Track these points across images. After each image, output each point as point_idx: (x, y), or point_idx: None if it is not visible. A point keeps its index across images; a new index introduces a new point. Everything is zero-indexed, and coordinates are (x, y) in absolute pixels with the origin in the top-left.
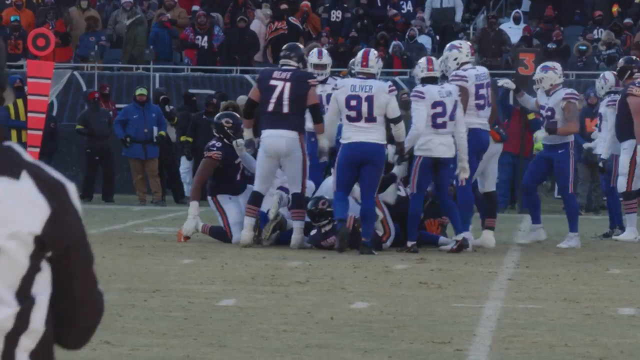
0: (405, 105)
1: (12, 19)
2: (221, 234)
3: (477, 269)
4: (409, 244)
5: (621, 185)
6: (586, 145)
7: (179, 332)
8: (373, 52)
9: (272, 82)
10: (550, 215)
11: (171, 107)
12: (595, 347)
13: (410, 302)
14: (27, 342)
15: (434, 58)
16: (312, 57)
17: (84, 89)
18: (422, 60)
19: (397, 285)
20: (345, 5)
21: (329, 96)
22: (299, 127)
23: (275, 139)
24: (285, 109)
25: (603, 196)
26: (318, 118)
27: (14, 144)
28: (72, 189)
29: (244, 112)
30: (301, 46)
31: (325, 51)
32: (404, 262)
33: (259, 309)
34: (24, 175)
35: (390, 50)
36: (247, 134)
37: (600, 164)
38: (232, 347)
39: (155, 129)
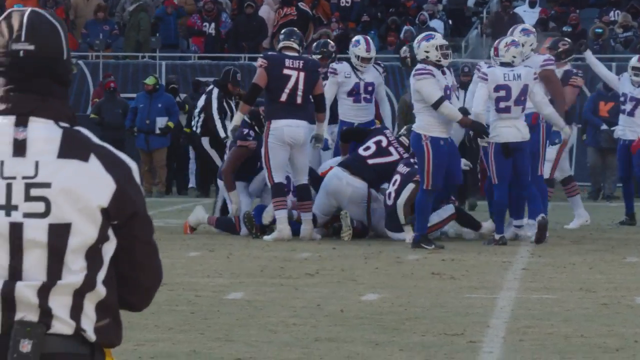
0: None
1: (16, 7)
2: (229, 226)
3: (490, 259)
4: (497, 236)
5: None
6: (605, 127)
7: (186, 326)
8: (504, 41)
9: (286, 72)
10: (564, 202)
11: (183, 95)
12: (611, 338)
13: (422, 294)
14: (92, 299)
15: (503, 41)
16: (359, 50)
17: (89, 78)
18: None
19: (408, 276)
20: None
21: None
22: (312, 117)
23: (295, 128)
24: (299, 100)
25: (618, 182)
26: (322, 107)
27: (82, 128)
28: (134, 167)
29: (246, 97)
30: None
31: (372, 43)
32: (416, 252)
33: (267, 302)
34: (92, 157)
35: (401, 35)
36: (238, 119)
37: None
38: (240, 342)
39: (159, 119)
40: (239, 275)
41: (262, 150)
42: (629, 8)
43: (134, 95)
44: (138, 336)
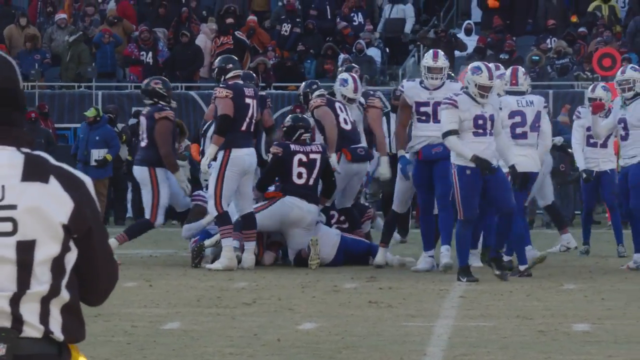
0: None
1: None
2: (142, 227)
3: (428, 287)
4: (522, 267)
5: None
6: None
7: (122, 357)
8: (521, 70)
9: (247, 101)
10: None
11: (121, 125)
12: None
13: (359, 322)
14: (57, 304)
15: (520, 71)
16: (347, 90)
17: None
18: (507, 73)
19: (346, 305)
20: (298, 20)
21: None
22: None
23: (252, 157)
24: (252, 128)
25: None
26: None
27: (40, 152)
28: (89, 182)
29: (219, 130)
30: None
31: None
32: (353, 280)
33: (204, 332)
34: (52, 179)
35: (339, 63)
36: (213, 152)
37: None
38: None
39: (94, 151)
40: (175, 305)
41: (213, 177)
42: (565, 35)
43: (70, 125)
44: None
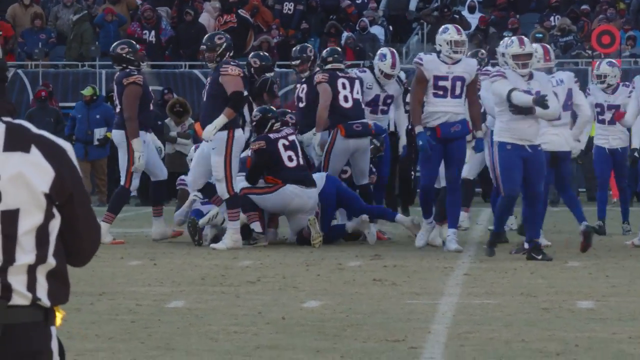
0: None
1: None
2: (121, 198)
3: (432, 265)
4: (544, 242)
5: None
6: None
7: (126, 335)
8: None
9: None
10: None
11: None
12: (552, 342)
13: (364, 300)
14: (44, 270)
15: (549, 47)
16: (384, 65)
17: (28, 87)
18: (539, 49)
19: (350, 283)
20: None
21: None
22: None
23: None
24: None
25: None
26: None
27: (23, 121)
28: (69, 148)
29: (237, 105)
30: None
31: (397, 58)
32: (357, 258)
33: (208, 310)
34: (33, 148)
35: (342, 41)
36: (221, 122)
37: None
38: (181, 350)
39: (97, 130)
40: (180, 284)
41: (220, 161)
42: (569, 12)
43: (73, 104)
44: (78, 346)
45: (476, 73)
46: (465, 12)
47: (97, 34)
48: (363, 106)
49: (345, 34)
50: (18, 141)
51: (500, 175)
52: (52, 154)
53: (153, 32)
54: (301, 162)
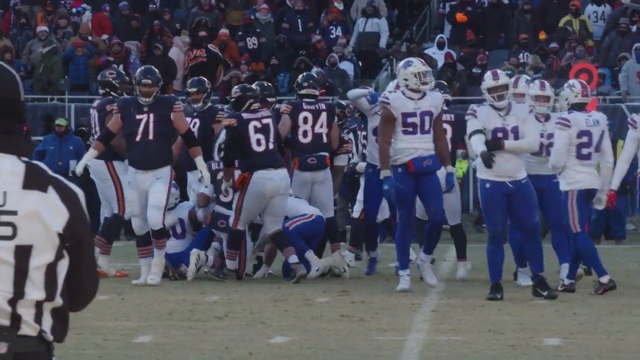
0: None
1: None
2: (114, 225)
3: (400, 301)
4: (603, 280)
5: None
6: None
7: None
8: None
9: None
10: (476, 244)
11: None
12: None
13: (331, 336)
14: (49, 307)
15: (585, 83)
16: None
17: None
18: (577, 84)
19: (317, 319)
20: (258, 31)
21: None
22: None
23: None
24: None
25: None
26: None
27: (39, 162)
28: (81, 193)
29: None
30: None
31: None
32: (325, 294)
33: (175, 345)
34: (50, 189)
35: None
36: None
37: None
38: None
39: (72, 162)
40: (147, 319)
41: (165, 188)
42: (537, 50)
43: (41, 138)
44: None
45: (442, 107)
46: (434, 49)
47: (67, 67)
48: (325, 140)
49: (314, 69)
50: (36, 181)
51: (484, 216)
52: (67, 197)
53: (121, 66)
54: (270, 147)
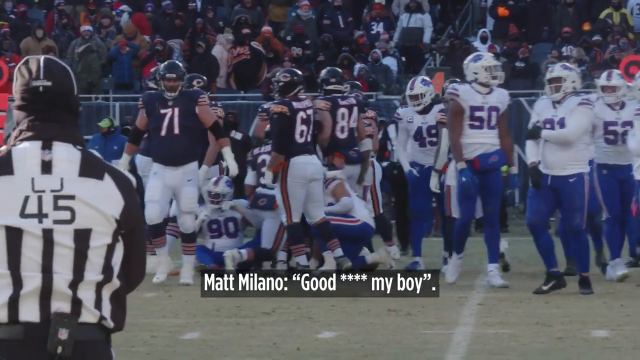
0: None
1: None
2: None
3: (447, 295)
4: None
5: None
6: None
7: None
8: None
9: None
10: (522, 237)
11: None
12: None
13: (379, 330)
14: (109, 290)
15: None
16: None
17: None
18: None
19: (365, 314)
20: (307, 42)
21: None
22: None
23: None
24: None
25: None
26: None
27: (93, 151)
28: (134, 181)
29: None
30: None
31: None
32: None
33: (223, 342)
34: (106, 176)
35: (355, 73)
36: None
37: None
38: None
39: (114, 162)
40: (195, 316)
41: (195, 190)
42: (580, 42)
43: (88, 137)
44: None
45: (507, 103)
46: (477, 43)
47: (111, 66)
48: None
49: (357, 66)
50: (93, 169)
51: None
52: (123, 185)
53: None
54: (309, 139)
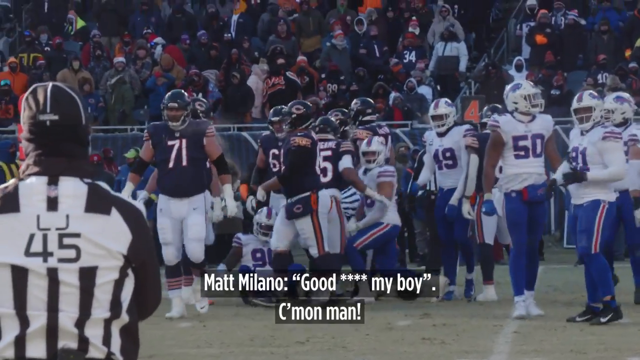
0: (402, 159)
1: (2, 83)
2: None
3: (482, 323)
4: None
5: None
6: None
7: None
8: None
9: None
10: (558, 265)
11: None
12: None
13: (412, 359)
14: (118, 325)
15: None
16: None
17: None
18: None
19: (399, 342)
20: (342, 78)
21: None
22: None
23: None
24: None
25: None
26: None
27: (101, 182)
28: (144, 211)
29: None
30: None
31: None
32: (407, 318)
33: None
34: (113, 210)
35: (390, 102)
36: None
37: None
38: None
39: (139, 192)
40: (229, 345)
41: (202, 218)
42: (616, 70)
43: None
44: None
45: (553, 129)
46: (512, 71)
47: (147, 97)
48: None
49: (392, 94)
50: (99, 203)
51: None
52: (130, 217)
53: (200, 95)
54: (332, 179)
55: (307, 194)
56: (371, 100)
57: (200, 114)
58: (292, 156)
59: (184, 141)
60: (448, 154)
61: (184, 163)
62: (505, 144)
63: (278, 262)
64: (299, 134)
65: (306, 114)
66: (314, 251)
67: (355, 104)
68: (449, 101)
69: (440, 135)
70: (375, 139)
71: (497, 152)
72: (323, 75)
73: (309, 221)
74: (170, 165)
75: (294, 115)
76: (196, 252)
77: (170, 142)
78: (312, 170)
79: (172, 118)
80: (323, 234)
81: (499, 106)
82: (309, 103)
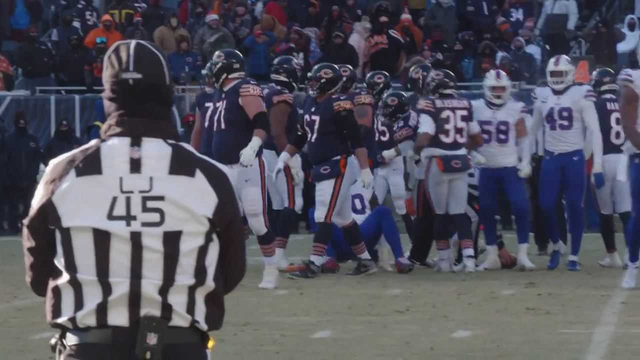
0: None
1: (99, 40)
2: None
3: (589, 293)
4: None
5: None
6: None
7: None
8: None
9: None
10: None
11: None
12: None
13: (516, 330)
14: (203, 293)
15: None
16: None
17: (175, 112)
18: None
19: (502, 312)
20: (445, 46)
21: None
22: None
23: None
24: None
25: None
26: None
27: (185, 144)
28: (230, 174)
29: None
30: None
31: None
32: (511, 287)
33: (354, 341)
34: (198, 172)
35: (497, 62)
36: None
37: None
38: None
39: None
40: (326, 314)
41: (258, 190)
42: None
43: None
44: None
45: None
46: (625, 30)
47: (246, 56)
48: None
49: (499, 54)
50: (183, 165)
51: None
52: (216, 180)
53: (301, 54)
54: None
55: (338, 157)
56: (452, 74)
57: (345, 81)
58: (353, 120)
59: (221, 104)
60: (565, 114)
61: (223, 126)
62: (639, 98)
63: (350, 235)
64: (342, 97)
65: (335, 77)
66: (319, 214)
67: (437, 75)
68: (569, 59)
69: (557, 92)
70: (503, 73)
71: (634, 107)
72: (425, 47)
73: (331, 184)
74: (214, 128)
75: (322, 80)
76: (255, 226)
77: (207, 105)
78: (343, 135)
79: (209, 84)
80: (337, 202)
81: (609, 69)
82: (336, 67)
